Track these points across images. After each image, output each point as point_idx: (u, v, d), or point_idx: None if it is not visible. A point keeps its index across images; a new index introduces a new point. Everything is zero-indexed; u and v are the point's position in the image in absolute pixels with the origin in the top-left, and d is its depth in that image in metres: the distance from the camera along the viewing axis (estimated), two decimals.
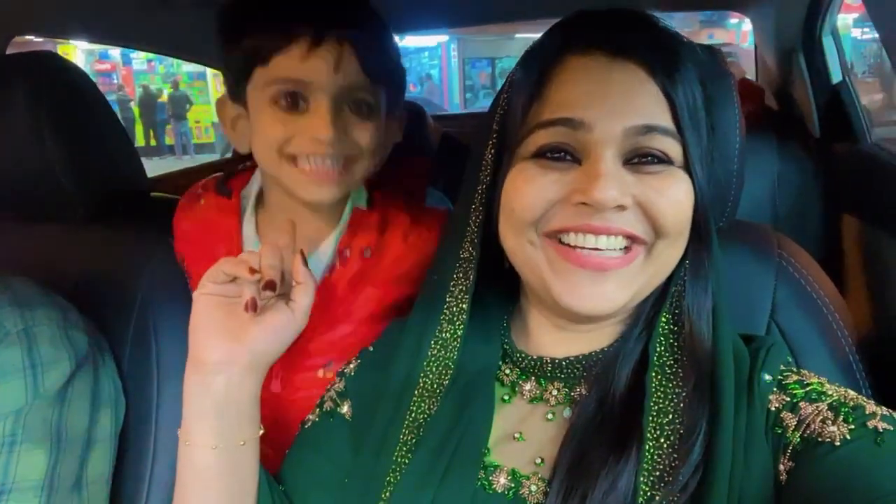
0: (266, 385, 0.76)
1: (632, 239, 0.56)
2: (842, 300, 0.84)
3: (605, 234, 0.55)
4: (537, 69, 0.59)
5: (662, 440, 0.54)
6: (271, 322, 0.66)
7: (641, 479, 0.52)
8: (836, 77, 1.58)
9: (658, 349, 0.58)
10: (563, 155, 0.56)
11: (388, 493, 0.60)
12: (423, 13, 1.93)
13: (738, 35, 9.93)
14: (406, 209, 0.92)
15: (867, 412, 0.51)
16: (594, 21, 0.59)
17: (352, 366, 0.74)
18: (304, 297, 0.68)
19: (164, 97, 13.53)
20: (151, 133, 13.06)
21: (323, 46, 0.76)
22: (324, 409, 0.72)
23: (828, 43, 1.55)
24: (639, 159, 0.56)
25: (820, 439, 0.50)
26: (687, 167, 0.57)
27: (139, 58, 14.32)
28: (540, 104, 0.58)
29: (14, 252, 1.03)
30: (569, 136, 0.56)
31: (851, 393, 0.54)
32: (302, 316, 0.68)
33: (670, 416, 0.54)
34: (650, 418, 0.55)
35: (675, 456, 0.53)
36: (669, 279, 0.60)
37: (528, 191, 0.57)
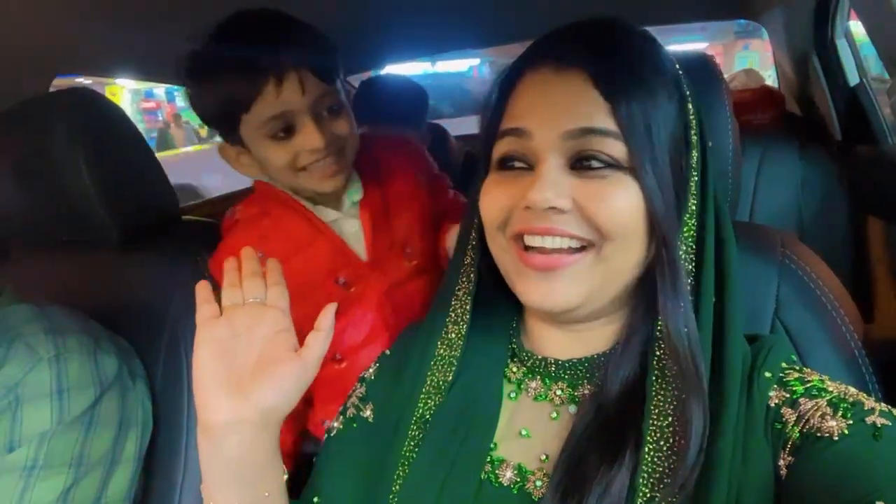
0: (373, 282, 1.05)
1: (580, 241, 0.58)
2: (847, 297, 0.84)
3: (549, 235, 0.58)
4: (499, 87, 0.65)
5: (662, 443, 0.55)
6: (280, 372, 0.63)
7: (641, 480, 0.54)
8: (853, 80, 1.57)
9: (657, 353, 0.59)
10: (521, 164, 0.61)
11: (397, 486, 0.63)
12: (452, 35, 1.98)
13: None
14: (380, 144, 1.16)
15: (866, 408, 0.52)
16: (550, 37, 0.63)
17: (371, 370, 0.78)
18: (318, 346, 0.66)
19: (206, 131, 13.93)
20: None
21: (286, 80, 0.89)
22: (347, 416, 0.75)
23: (842, 46, 1.54)
24: (582, 163, 0.58)
25: (819, 434, 0.51)
26: (633, 169, 0.57)
27: (182, 94, 14.78)
28: (500, 119, 0.63)
29: (53, 278, 1.10)
30: (518, 145, 0.60)
31: (852, 389, 0.55)
32: (313, 366, 0.66)
33: (670, 419, 0.55)
34: (650, 421, 0.56)
35: (675, 458, 0.54)
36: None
37: (490, 200, 0.62)
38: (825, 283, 0.84)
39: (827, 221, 1.65)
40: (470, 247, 0.70)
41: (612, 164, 0.57)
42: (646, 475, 0.54)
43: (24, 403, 0.80)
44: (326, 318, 0.67)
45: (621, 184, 0.57)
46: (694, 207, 0.61)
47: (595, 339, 0.64)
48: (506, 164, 0.62)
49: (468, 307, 0.69)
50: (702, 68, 0.84)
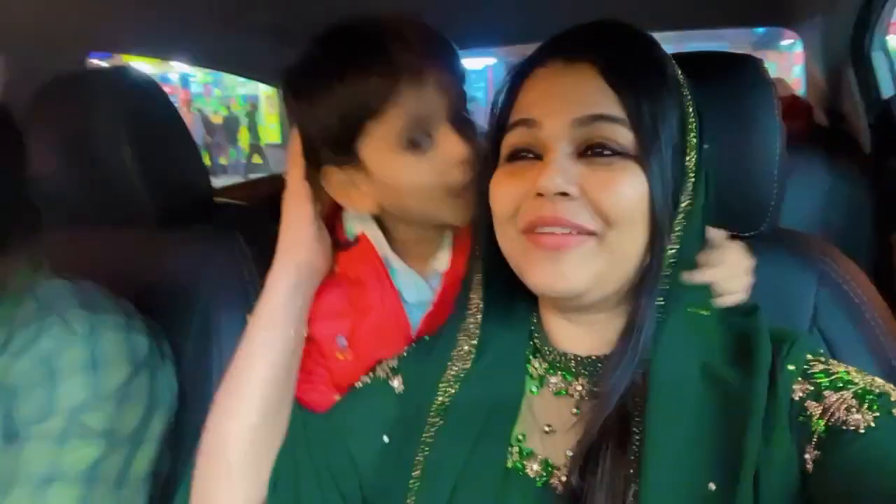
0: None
1: (585, 231, 0.58)
2: (886, 307, 0.84)
3: (556, 224, 0.58)
4: (509, 83, 0.66)
5: (671, 436, 0.55)
6: (328, 242, 0.82)
7: (651, 472, 0.54)
8: (887, 92, 1.56)
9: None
10: (530, 155, 0.61)
11: (417, 471, 0.64)
12: (470, 32, 1.98)
13: (791, 57, 9.72)
14: None
15: (893, 399, 0.52)
16: (559, 35, 0.65)
17: (407, 348, 0.78)
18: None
19: (220, 118, 14.00)
20: (206, 154, 13.50)
21: (427, 76, 0.73)
22: (376, 375, 0.76)
23: (878, 58, 1.54)
24: (591, 150, 0.59)
25: (845, 427, 0.51)
26: (639, 157, 0.58)
27: (196, 81, 14.86)
28: (510, 112, 0.64)
29: (89, 255, 1.09)
30: (528, 136, 0.61)
31: (878, 381, 0.55)
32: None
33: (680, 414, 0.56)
34: (660, 416, 0.56)
35: (687, 452, 0.54)
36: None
37: (501, 191, 0.63)
38: (864, 292, 0.84)
39: (852, 234, 1.64)
40: (482, 239, 0.70)
41: (620, 152, 0.58)
42: (656, 469, 0.54)
43: (59, 376, 0.81)
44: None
45: (627, 171, 0.58)
46: (689, 208, 0.61)
47: (608, 332, 0.64)
48: (515, 155, 0.63)
49: (481, 296, 0.71)
50: (751, 71, 0.84)
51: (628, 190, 0.58)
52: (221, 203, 1.23)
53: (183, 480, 0.75)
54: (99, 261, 1.04)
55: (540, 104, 0.61)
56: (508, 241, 0.64)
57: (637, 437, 0.57)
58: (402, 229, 0.85)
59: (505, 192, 0.62)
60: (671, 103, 0.61)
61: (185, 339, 1.01)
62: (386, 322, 0.84)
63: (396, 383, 0.74)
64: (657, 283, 0.60)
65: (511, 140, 0.63)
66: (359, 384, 0.77)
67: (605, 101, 0.59)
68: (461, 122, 0.77)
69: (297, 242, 0.78)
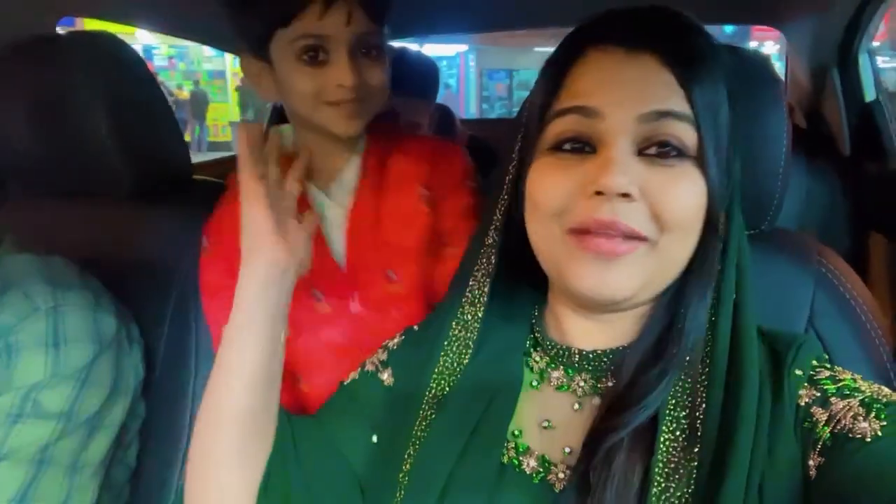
0: (346, 307, 0.96)
1: (637, 238, 0.56)
2: (880, 311, 0.84)
3: (611, 230, 0.55)
4: (558, 63, 0.61)
5: (678, 433, 0.54)
6: (295, 233, 0.76)
7: (656, 470, 0.53)
8: (869, 95, 1.58)
9: (678, 343, 0.58)
10: (580, 146, 0.57)
11: (407, 465, 0.62)
12: (441, 18, 1.95)
13: None
14: (401, 131, 1.11)
15: None
16: (612, 19, 0.61)
17: (396, 340, 0.76)
18: (311, 225, 0.81)
19: (185, 94, 13.64)
20: None
21: (335, 4, 0.86)
22: (365, 370, 0.74)
23: (864, 60, 1.56)
24: (655, 149, 0.56)
25: (850, 435, 0.50)
26: (701, 158, 0.56)
27: (160, 54, 14.45)
28: (558, 96, 0.59)
29: (57, 227, 1.05)
30: (583, 125, 0.57)
31: (885, 390, 0.54)
32: (305, 245, 0.79)
33: (687, 411, 0.55)
34: (667, 411, 0.55)
35: (691, 449, 0.53)
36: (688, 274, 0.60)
37: (548, 184, 0.58)
38: (860, 295, 0.84)
39: (828, 235, 1.66)
40: (493, 227, 0.68)
41: (681, 153, 0.56)
42: (661, 465, 0.53)
43: (17, 351, 0.77)
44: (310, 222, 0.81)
45: (688, 175, 0.56)
46: (733, 205, 0.61)
47: (621, 329, 0.63)
48: (565, 146, 0.58)
49: (486, 289, 0.67)
50: (758, 67, 0.83)
51: (690, 196, 0.56)
52: (200, 180, 1.18)
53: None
54: (69, 236, 0.99)
55: (601, 93, 0.57)
56: (549, 239, 0.60)
57: (645, 427, 0.55)
58: (309, 138, 0.98)
59: (553, 185, 0.58)
60: (725, 97, 0.59)
61: (161, 321, 0.96)
62: None
63: (386, 376, 0.72)
64: (710, 286, 0.59)
65: (560, 128, 0.58)
66: (347, 380, 0.75)
67: (673, 96, 0.56)
68: (369, 57, 0.91)
69: (258, 244, 0.72)
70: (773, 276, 0.83)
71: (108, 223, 1.04)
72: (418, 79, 1.83)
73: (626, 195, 0.54)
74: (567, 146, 0.58)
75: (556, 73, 0.61)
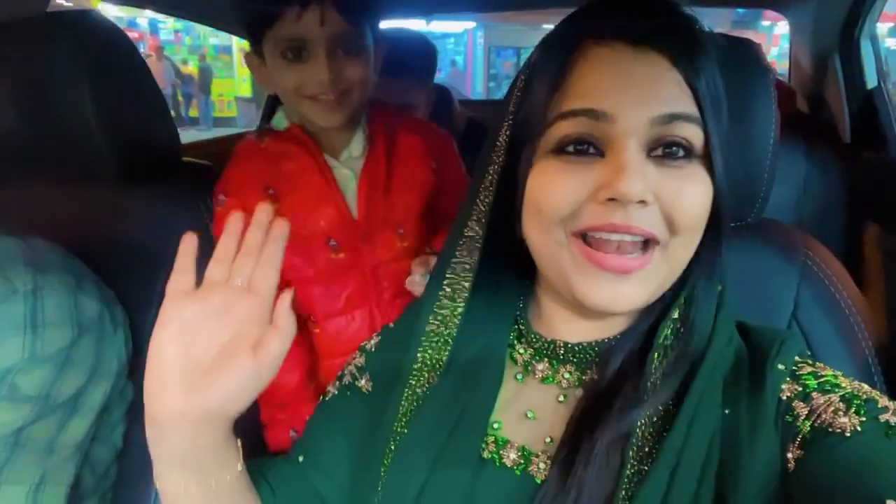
0: (360, 258, 1.08)
1: (650, 239, 0.55)
2: (864, 303, 0.84)
3: (628, 233, 0.54)
4: (558, 58, 0.58)
5: (655, 418, 0.55)
6: (234, 373, 0.56)
7: (630, 453, 0.53)
8: (871, 82, 1.56)
9: (666, 332, 0.59)
10: (586, 148, 0.55)
11: (388, 461, 0.62)
12: None
13: (770, 38, 9.77)
14: (395, 114, 1.19)
15: (880, 405, 0.51)
16: (615, 8, 0.58)
17: (373, 341, 0.75)
18: (275, 347, 0.57)
19: (192, 69, 13.57)
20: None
21: (309, 8, 0.96)
22: (343, 383, 0.73)
23: (866, 47, 1.53)
24: (663, 150, 0.55)
25: (830, 429, 0.50)
26: (708, 158, 0.56)
27: (166, 27, 14.35)
28: (561, 94, 0.57)
29: (42, 210, 1.04)
30: (592, 128, 0.54)
31: (865, 387, 0.54)
32: (269, 369, 0.57)
33: (664, 395, 0.56)
34: (646, 397, 0.56)
35: (665, 434, 0.54)
36: (687, 270, 0.60)
37: (555, 191, 0.56)
38: (844, 287, 0.84)
39: (824, 222, 1.66)
40: (474, 219, 0.65)
41: (688, 153, 0.55)
42: (635, 448, 0.54)
43: None
44: (284, 314, 0.58)
45: (697, 175, 0.55)
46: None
47: (610, 323, 0.62)
48: (570, 148, 0.56)
49: (466, 283, 0.66)
50: (747, 54, 0.81)
51: (700, 197, 0.55)
52: (190, 162, 1.17)
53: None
54: (55, 218, 0.98)
55: (612, 94, 0.54)
56: (552, 245, 0.58)
57: (624, 413, 0.55)
58: (315, 128, 1.08)
59: (560, 191, 0.55)
60: (723, 93, 0.58)
61: (146, 309, 0.96)
62: (317, 190, 1.08)
63: (363, 382, 0.71)
64: (717, 285, 0.60)
65: (566, 130, 0.55)
66: (326, 396, 0.75)
67: (682, 97, 0.54)
68: (347, 53, 1.01)
69: (158, 391, 0.56)
70: (758, 268, 0.83)
71: (95, 205, 1.04)
72: (415, 60, 1.81)
73: (641, 202, 0.53)
74: (570, 148, 0.56)
75: (556, 67, 0.57)
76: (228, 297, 0.58)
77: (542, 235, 0.58)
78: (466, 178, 1.21)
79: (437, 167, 1.17)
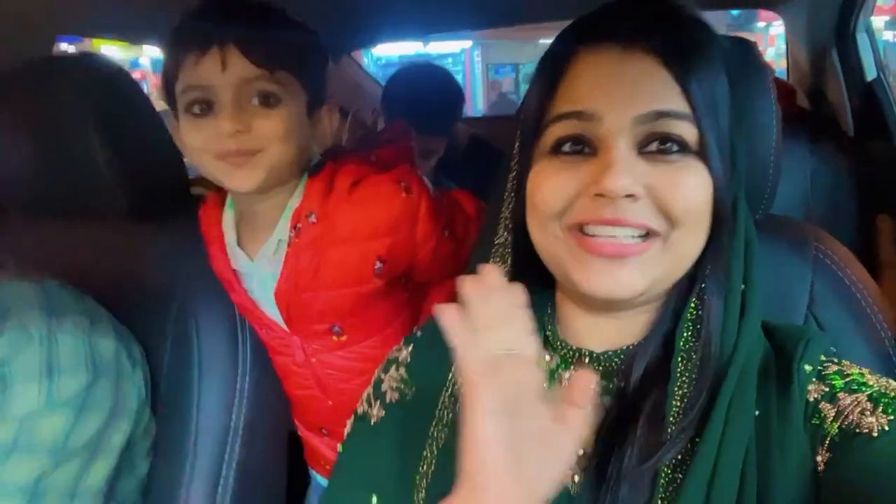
0: (292, 358, 1.00)
1: (647, 231, 0.56)
2: (879, 293, 0.83)
3: (619, 225, 0.55)
4: (552, 64, 0.60)
5: (686, 423, 0.54)
6: (559, 450, 0.48)
7: (663, 462, 0.53)
8: (870, 74, 1.56)
9: (685, 334, 0.58)
10: (581, 147, 0.57)
11: (424, 467, 0.62)
12: (445, 15, 1.95)
13: (766, 38, 9.79)
14: (352, 170, 0.94)
15: None
16: (606, 13, 0.60)
17: (405, 353, 0.73)
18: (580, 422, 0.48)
19: None
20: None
21: (209, 51, 0.82)
22: (388, 402, 0.71)
23: (862, 40, 1.53)
24: (656, 146, 0.56)
25: (858, 430, 0.50)
26: (703, 152, 0.56)
27: None
28: (554, 99, 0.59)
29: (56, 249, 1.05)
30: (581, 128, 0.56)
31: (893, 383, 0.54)
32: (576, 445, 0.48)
33: (693, 402, 0.55)
34: (674, 402, 0.55)
35: (698, 440, 0.53)
36: (697, 267, 0.60)
37: (548, 187, 0.58)
38: (859, 279, 0.83)
39: (835, 217, 1.65)
40: (502, 226, 0.67)
41: (682, 148, 0.56)
42: (668, 456, 0.53)
43: (12, 383, 0.77)
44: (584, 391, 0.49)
45: (691, 168, 0.56)
46: (739, 196, 0.60)
47: (632, 327, 0.62)
48: (564, 149, 0.58)
49: None
50: (745, 53, 0.82)
51: (695, 189, 0.56)
52: (199, 195, 1.18)
53: None
54: (67, 257, 1.00)
55: (597, 96, 0.56)
56: (550, 239, 0.60)
57: (652, 421, 0.55)
58: (237, 199, 0.96)
59: (554, 188, 0.57)
60: (724, 90, 0.58)
61: (161, 343, 0.97)
62: (230, 288, 0.98)
63: (409, 394, 0.69)
64: (723, 277, 0.59)
65: (558, 132, 0.58)
66: (370, 420, 0.70)
67: (670, 95, 0.55)
68: (262, 103, 0.85)
69: (488, 482, 0.46)
70: (769, 265, 0.82)
71: (106, 243, 1.05)
72: (438, 116, 1.75)
73: (630, 196, 0.54)
74: (566, 147, 0.58)
75: (551, 74, 0.60)
76: (517, 371, 0.48)
77: (541, 231, 0.60)
78: (451, 244, 1.02)
79: (391, 246, 0.93)
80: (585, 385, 0.48)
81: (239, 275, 0.98)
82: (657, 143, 0.55)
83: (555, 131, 0.58)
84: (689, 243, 0.57)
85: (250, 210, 0.95)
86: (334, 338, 0.99)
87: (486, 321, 0.48)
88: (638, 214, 0.54)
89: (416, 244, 0.96)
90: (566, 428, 0.47)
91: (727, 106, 0.58)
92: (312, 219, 0.91)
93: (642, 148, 0.56)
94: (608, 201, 0.54)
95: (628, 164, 0.54)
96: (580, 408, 0.48)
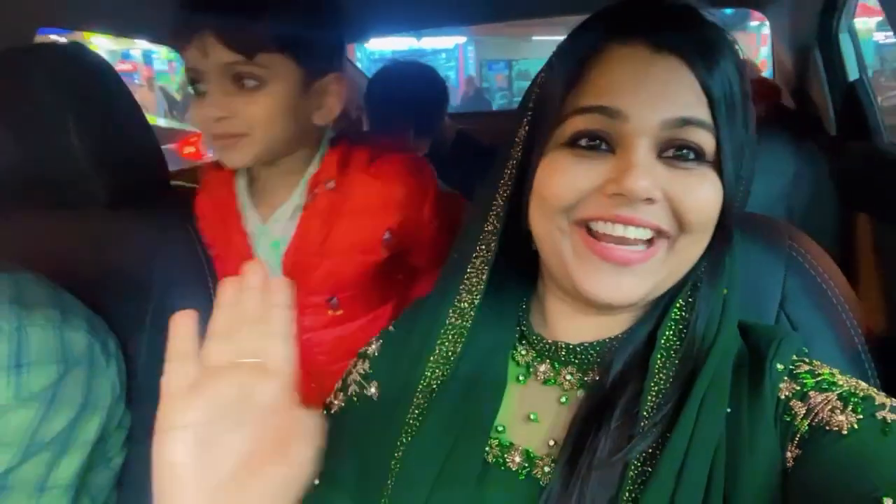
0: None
1: (657, 232, 0.56)
2: (852, 292, 0.84)
3: (632, 224, 0.55)
4: (578, 54, 0.59)
5: (658, 418, 0.55)
6: (265, 489, 0.46)
7: (634, 454, 0.54)
8: (852, 74, 1.57)
9: (667, 333, 0.59)
10: (597, 143, 0.57)
11: (399, 454, 0.61)
12: (439, 10, 1.94)
13: (759, 38, 9.82)
14: (369, 147, 1.00)
15: (877, 403, 0.51)
16: (638, 12, 0.59)
17: (374, 346, 0.74)
18: (305, 449, 0.47)
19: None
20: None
21: (193, 37, 0.86)
22: (348, 394, 0.72)
23: (844, 40, 1.54)
24: (673, 152, 0.56)
25: (827, 428, 0.51)
26: (718, 163, 0.56)
27: (160, 58, 14.46)
28: (578, 90, 0.58)
29: (33, 241, 1.05)
30: (605, 125, 0.56)
31: (862, 384, 0.55)
32: (303, 475, 0.47)
33: (667, 398, 0.56)
34: (648, 397, 0.56)
35: (669, 435, 0.54)
36: (690, 270, 0.61)
37: (561, 180, 0.57)
38: (832, 278, 0.83)
39: (816, 216, 1.66)
40: (493, 213, 0.66)
41: (699, 157, 0.56)
42: (639, 448, 0.54)
43: None
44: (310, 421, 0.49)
45: (706, 178, 0.56)
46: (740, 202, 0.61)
47: (611, 322, 0.63)
48: (581, 142, 0.57)
49: (484, 276, 0.66)
50: None
51: (709, 198, 0.56)
52: (179, 186, 1.18)
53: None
54: (45, 248, 0.99)
55: (625, 94, 0.55)
56: (554, 232, 0.59)
57: (627, 414, 0.56)
58: (254, 168, 0.99)
59: (567, 181, 0.57)
60: (740, 100, 0.58)
61: (138, 334, 0.97)
62: (227, 253, 1.00)
63: (373, 390, 0.70)
64: (716, 282, 0.60)
65: (580, 125, 0.57)
66: (333, 409, 0.71)
67: (697, 103, 0.55)
68: (243, 87, 0.88)
69: None
70: (743, 261, 0.83)
71: (84, 234, 1.05)
72: (422, 117, 1.76)
73: (648, 199, 0.54)
74: (583, 142, 0.57)
75: (575, 64, 0.59)
76: (243, 382, 0.47)
77: (544, 223, 0.60)
78: (451, 213, 1.05)
79: (401, 220, 0.98)
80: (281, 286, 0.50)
81: (248, 237, 1.00)
82: (674, 150, 0.56)
83: (575, 123, 0.57)
84: (693, 250, 0.58)
85: (261, 175, 0.99)
86: (329, 311, 1.00)
87: (227, 327, 0.48)
88: (651, 216, 0.55)
89: (423, 223, 1.01)
90: (299, 438, 0.47)
91: (742, 117, 0.58)
92: (331, 185, 0.96)
93: (661, 152, 0.56)
94: (625, 201, 0.55)
95: (649, 167, 0.54)
96: (281, 307, 0.49)
